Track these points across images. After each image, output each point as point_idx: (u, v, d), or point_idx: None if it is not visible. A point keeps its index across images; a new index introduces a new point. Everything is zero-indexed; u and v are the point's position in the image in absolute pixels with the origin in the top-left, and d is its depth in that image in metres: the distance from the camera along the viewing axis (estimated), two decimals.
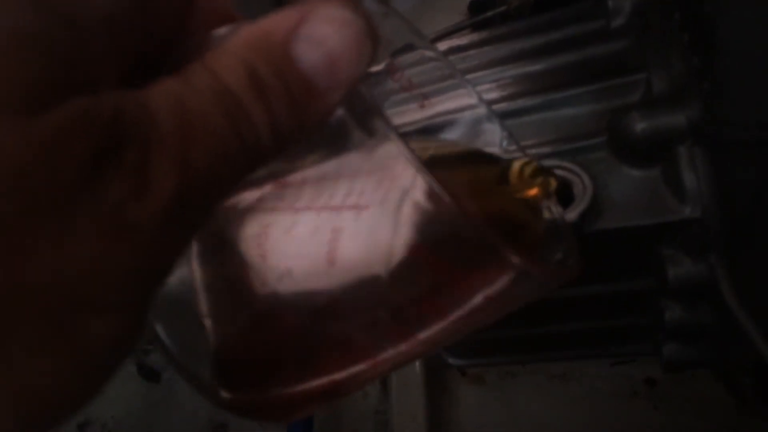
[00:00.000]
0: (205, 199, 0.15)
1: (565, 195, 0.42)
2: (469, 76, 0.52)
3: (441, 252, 0.19)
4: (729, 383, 0.48)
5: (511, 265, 0.18)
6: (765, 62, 0.36)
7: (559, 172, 0.43)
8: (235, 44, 0.16)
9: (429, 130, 0.30)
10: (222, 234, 0.21)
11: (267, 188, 0.20)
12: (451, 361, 0.64)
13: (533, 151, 0.45)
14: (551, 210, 0.28)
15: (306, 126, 0.16)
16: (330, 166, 0.19)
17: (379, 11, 0.23)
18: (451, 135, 0.30)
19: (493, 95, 0.50)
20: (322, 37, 0.16)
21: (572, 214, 0.41)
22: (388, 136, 0.17)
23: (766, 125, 0.37)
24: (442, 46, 0.55)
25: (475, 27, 0.58)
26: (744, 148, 0.39)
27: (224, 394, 0.22)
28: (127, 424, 1.02)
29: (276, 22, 0.16)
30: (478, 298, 0.20)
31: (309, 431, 0.88)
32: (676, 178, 0.42)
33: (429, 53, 0.28)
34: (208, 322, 0.22)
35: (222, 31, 0.18)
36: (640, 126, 0.42)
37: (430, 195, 0.17)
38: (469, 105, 0.29)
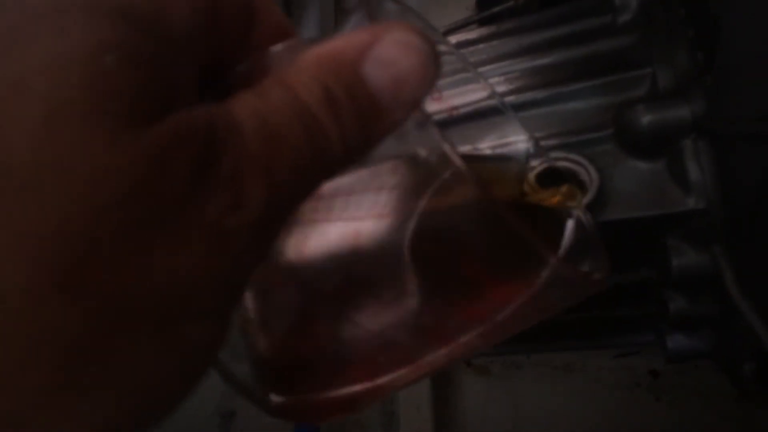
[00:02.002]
0: (286, 210, 0.16)
1: None
2: (477, 70, 0.52)
3: (477, 255, 0.20)
4: (730, 372, 0.48)
5: (546, 265, 0.19)
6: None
7: (565, 164, 0.43)
8: (308, 62, 0.17)
9: (450, 124, 0.31)
10: None
11: None
12: None
13: (541, 143, 0.46)
14: (581, 218, 0.27)
15: (372, 141, 0.17)
16: (364, 173, 0.20)
17: (396, 9, 0.24)
18: (475, 134, 0.31)
19: (501, 88, 0.50)
20: (391, 59, 0.17)
21: None
22: (438, 143, 0.18)
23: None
24: (451, 40, 0.56)
25: (483, 22, 0.59)
26: (747, 141, 0.39)
27: (274, 399, 0.22)
28: None
29: (347, 42, 0.17)
30: (513, 301, 0.20)
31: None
32: (680, 170, 0.43)
33: (443, 48, 0.29)
34: (252, 329, 0.22)
35: (279, 47, 0.19)
36: (645, 119, 0.43)
37: (474, 199, 0.18)
38: (483, 98, 0.30)
